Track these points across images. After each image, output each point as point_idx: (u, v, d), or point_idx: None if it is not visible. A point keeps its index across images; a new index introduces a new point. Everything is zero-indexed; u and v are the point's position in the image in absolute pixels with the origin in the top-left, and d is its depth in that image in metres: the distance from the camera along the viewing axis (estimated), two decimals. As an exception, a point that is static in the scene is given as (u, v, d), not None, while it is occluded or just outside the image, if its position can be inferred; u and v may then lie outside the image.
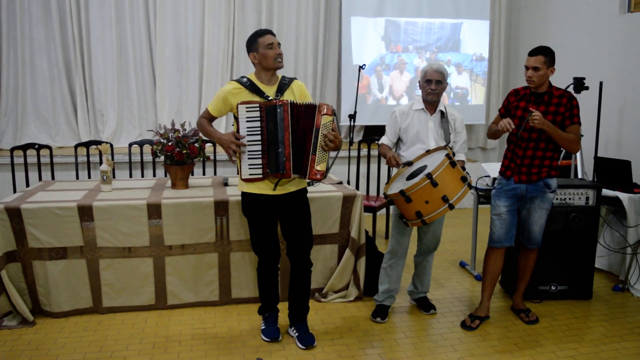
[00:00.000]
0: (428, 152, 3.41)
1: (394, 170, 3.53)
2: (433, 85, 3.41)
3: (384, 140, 3.62)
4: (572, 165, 4.92)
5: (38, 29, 5.88)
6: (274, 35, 3.10)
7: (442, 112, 3.50)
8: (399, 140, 3.60)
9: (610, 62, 5.53)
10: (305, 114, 2.99)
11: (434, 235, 3.61)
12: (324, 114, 2.96)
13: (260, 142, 2.99)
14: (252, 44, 3.09)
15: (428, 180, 3.07)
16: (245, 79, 3.10)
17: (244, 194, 3.16)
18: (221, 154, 5.35)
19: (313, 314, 3.59)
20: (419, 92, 3.55)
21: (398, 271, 3.64)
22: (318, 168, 2.96)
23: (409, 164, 3.42)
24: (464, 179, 3.17)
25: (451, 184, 3.12)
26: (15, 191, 4.63)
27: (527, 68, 3.30)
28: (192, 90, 6.42)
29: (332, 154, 3.07)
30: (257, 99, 3.03)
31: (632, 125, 5.26)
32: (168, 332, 3.38)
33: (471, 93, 7.12)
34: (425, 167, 3.25)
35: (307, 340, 3.22)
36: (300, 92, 3.17)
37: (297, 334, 3.27)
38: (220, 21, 6.31)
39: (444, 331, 3.47)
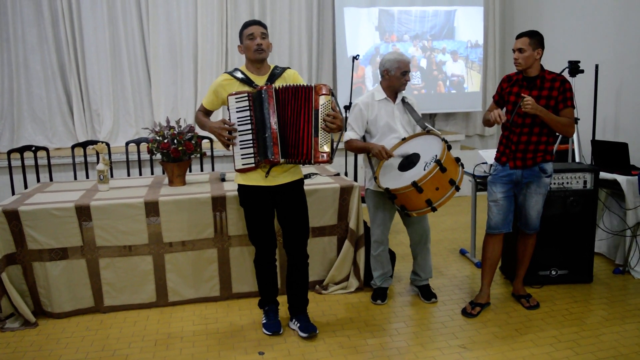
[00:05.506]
0: (404, 140, 3.46)
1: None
2: (408, 76, 3.54)
3: (351, 135, 3.56)
4: (570, 149, 4.91)
5: (30, 31, 5.86)
6: (260, 25, 3.07)
7: (403, 98, 3.58)
8: (366, 132, 3.59)
9: (605, 44, 5.51)
10: (295, 96, 2.93)
11: (419, 225, 3.66)
12: (322, 94, 2.89)
13: (250, 131, 2.98)
14: (240, 35, 3.12)
15: (438, 167, 3.10)
16: (236, 71, 3.11)
17: (239, 186, 3.17)
18: (218, 149, 5.35)
19: (314, 306, 3.60)
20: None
21: (385, 256, 3.76)
22: (324, 149, 2.90)
23: (404, 140, 3.47)
24: (457, 160, 3.29)
25: (452, 166, 3.22)
26: (13, 194, 4.64)
27: (514, 51, 3.33)
28: (187, 87, 6.41)
29: (335, 136, 3.00)
30: (247, 89, 3.03)
31: (629, 107, 5.24)
32: (170, 328, 3.39)
33: (467, 80, 7.09)
34: (417, 155, 3.28)
35: (309, 328, 3.23)
36: (292, 81, 3.12)
37: (298, 324, 3.28)
38: (213, 16, 6.30)
39: (445, 319, 3.47)
